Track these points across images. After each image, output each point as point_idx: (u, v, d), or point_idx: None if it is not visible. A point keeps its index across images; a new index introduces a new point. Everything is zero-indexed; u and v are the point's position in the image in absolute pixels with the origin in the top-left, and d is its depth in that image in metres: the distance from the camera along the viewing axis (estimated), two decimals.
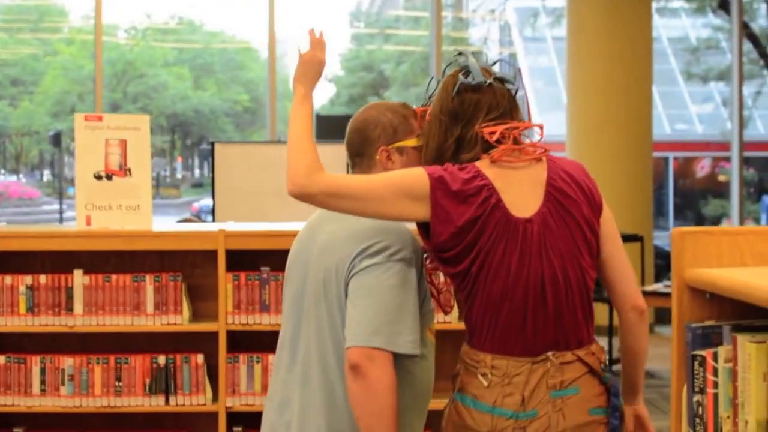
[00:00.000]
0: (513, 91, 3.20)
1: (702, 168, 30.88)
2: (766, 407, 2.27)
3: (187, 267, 5.29)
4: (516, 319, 3.05)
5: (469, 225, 3.01)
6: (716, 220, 29.15)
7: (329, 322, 3.13)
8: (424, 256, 3.22)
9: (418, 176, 3.03)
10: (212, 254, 5.12)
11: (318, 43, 3.33)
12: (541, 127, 3.21)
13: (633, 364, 3.31)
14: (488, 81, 3.15)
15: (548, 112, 31.17)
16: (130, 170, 5.23)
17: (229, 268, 5.11)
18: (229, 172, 9.58)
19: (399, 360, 3.03)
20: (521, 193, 3.08)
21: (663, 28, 28.52)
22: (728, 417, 2.41)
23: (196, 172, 41.03)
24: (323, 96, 35.73)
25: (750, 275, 2.48)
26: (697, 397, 2.55)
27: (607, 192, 11.52)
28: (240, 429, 5.18)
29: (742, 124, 14.55)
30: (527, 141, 3.18)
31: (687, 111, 31.07)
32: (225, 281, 5.08)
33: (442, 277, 3.43)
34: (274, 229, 5.16)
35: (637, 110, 12.59)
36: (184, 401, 5.11)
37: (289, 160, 3.05)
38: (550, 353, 3.06)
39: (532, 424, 3.00)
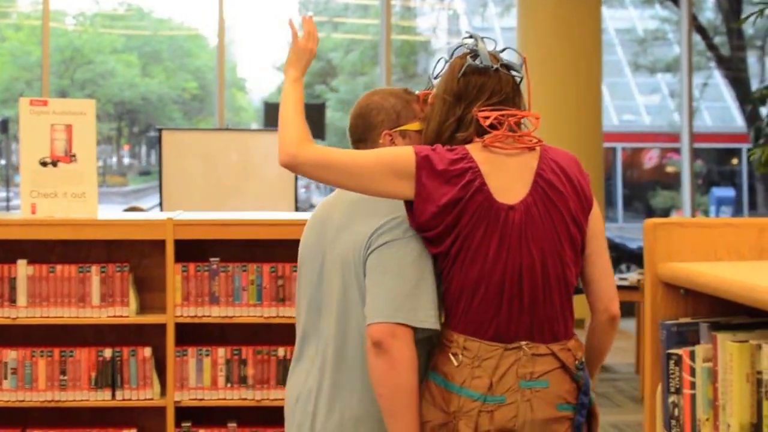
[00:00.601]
0: (518, 79, 3.20)
1: (650, 159, 30.98)
2: (749, 410, 2.15)
3: (135, 257, 5.12)
4: (490, 304, 3.03)
5: (450, 206, 3.00)
6: (665, 212, 29.27)
7: (351, 305, 3.12)
8: None
9: (405, 154, 3.03)
10: (160, 244, 4.95)
11: (311, 34, 3.36)
12: (537, 117, 3.17)
13: (591, 362, 3.31)
14: (495, 66, 3.15)
15: None
16: (75, 156, 5.05)
17: (178, 258, 4.95)
18: (177, 160, 9.40)
19: (419, 334, 3.01)
20: (508, 179, 3.07)
21: (610, 19, 28.54)
22: (707, 419, 2.29)
23: (144, 160, 40.71)
24: (270, 84, 35.53)
25: (727, 270, 2.36)
26: (672, 398, 2.42)
27: None
28: (188, 424, 5.02)
29: (692, 115, 14.48)
30: (524, 129, 3.18)
31: (634, 102, 31.15)
32: (173, 272, 4.92)
33: None
34: (225, 219, 5.00)
35: (587, 101, 12.51)
36: (131, 396, 4.95)
37: (280, 133, 3.10)
38: (523, 343, 3.03)
39: (500, 409, 2.98)
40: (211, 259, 4.98)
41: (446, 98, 3.15)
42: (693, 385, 2.34)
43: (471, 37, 3.22)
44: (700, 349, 2.33)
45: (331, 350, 3.16)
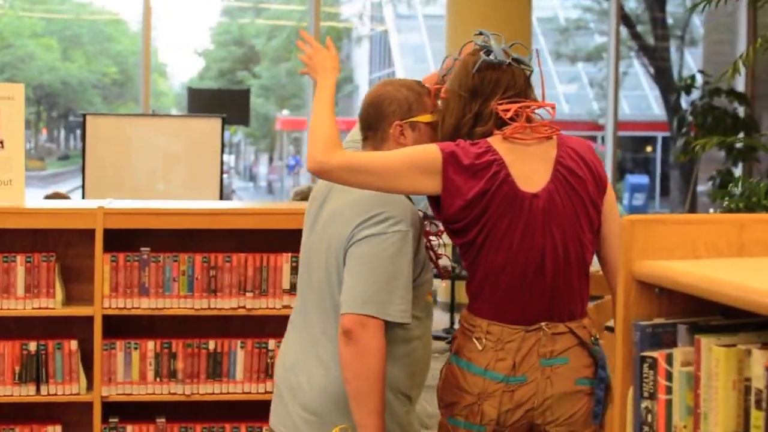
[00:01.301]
0: (528, 72, 3.30)
1: None
2: (735, 419, 1.99)
3: (61, 247, 4.88)
4: (514, 288, 3.16)
5: (477, 198, 3.11)
6: None
7: (331, 294, 3.26)
8: (424, 222, 3.36)
9: (431, 152, 3.12)
10: (88, 233, 4.71)
11: (329, 46, 3.47)
12: (553, 107, 3.28)
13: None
14: (508, 61, 3.24)
15: None
16: (2, 143, 4.79)
17: (107, 248, 4.71)
18: (101, 146, 9.13)
19: (391, 327, 3.17)
20: (530, 168, 3.17)
21: (533, 8, 28.50)
22: (685, 426, 2.13)
23: (62, 144, 40.10)
24: (192, 69, 35.15)
25: (707, 268, 2.20)
26: (645, 403, 2.26)
27: None
28: (116, 420, 4.79)
29: (617, 104, 14.42)
30: (539, 119, 3.27)
31: (554, 91, 31.20)
32: (102, 262, 4.68)
33: (442, 241, 3.50)
34: (157, 207, 4.79)
35: None
36: (57, 390, 4.72)
37: (309, 139, 3.17)
38: (543, 323, 3.17)
39: (520, 388, 3.13)
40: (142, 249, 4.76)
41: (462, 94, 3.22)
42: (669, 390, 2.19)
43: (481, 33, 3.31)
44: (679, 353, 2.17)
45: (316, 328, 3.33)
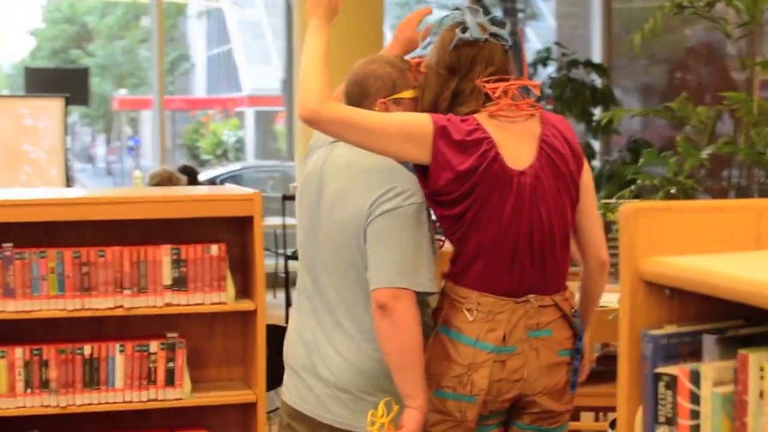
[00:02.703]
0: (506, 47, 3.32)
1: None
2: None
3: None
4: (504, 263, 3.23)
5: (467, 174, 3.16)
6: None
7: (355, 270, 3.27)
8: None
9: (422, 122, 3.16)
10: None
11: None
12: (537, 85, 3.37)
13: (588, 307, 3.54)
14: (484, 37, 3.26)
15: (256, 65, 30.54)
16: None
17: None
18: None
19: (419, 296, 3.21)
20: (517, 146, 3.23)
21: None
22: None
23: None
24: (24, 49, 33.96)
25: (725, 264, 1.86)
26: (662, 429, 1.90)
27: None
28: None
29: None
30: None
31: None
32: None
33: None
34: (21, 198, 4.30)
35: None
36: None
37: (301, 85, 3.12)
38: (531, 296, 3.26)
39: (510, 358, 3.22)
40: (4, 245, 4.25)
41: (440, 71, 3.26)
42: (695, 415, 1.84)
43: (458, 9, 3.32)
44: (709, 370, 1.82)
45: (336, 306, 3.33)
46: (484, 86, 3.23)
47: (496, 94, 3.22)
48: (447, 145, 3.15)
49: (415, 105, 3.33)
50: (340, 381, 3.32)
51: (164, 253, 4.36)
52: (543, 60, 12.64)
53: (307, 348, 3.41)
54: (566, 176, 3.31)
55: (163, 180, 7.48)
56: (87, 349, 4.33)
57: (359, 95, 3.37)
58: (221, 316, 4.64)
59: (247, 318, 4.59)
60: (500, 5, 20.01)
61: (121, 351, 4.36)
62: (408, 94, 3.34)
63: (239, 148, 29.19)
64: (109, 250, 4.31)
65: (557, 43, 12.97)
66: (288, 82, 25.07)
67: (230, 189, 4.74)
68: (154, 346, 4.38)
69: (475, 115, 3.22)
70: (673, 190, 4.69)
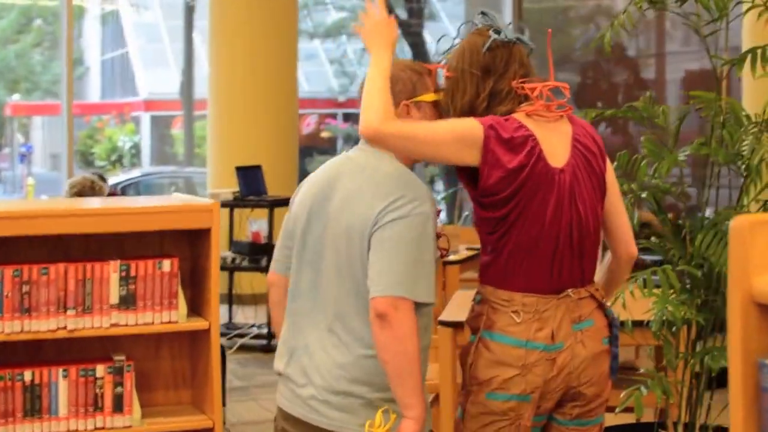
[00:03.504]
0: (529, 50, 3.44)
1: (308, 125, 30.50)
2: None
3: None
4: (545, 260, 3.32)
5: (516, 171, 3.25)
6: None
7: (351, 275, 3.27)
8: None
9: (472, 125, 3.26)
10: None
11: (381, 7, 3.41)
12: (566, 87, 3.43)
13: (609, 293, 3.69)
14: (515, 38, 3.37)
15: (153, 69, 29.95)
16: None
17: None
18: None
19: (416, 308, 3.21)
20: (555, 145, 3.34)
21: None
22: None
23: None
24: None
25: None
26: None
27: (255, 152, 10.42)
28: None
29: None
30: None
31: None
32: None
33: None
34: None
35: (281, 67, 11.69)
36: None
37: (364, 105, 3.22)
38: (569, 290, 3.34)
39: (560, 355, 3.29)
40: None
41: (474, 72, 3.34)
42: None
43: (484, 14, 3.41)
44: None
45: (331, 311, 3.31)
46: (522, 87, 3.34)
47: (535, 94, 3.33)
48: (497, 143, 3.24)
49: (434, 109, 3.41)
50: (333, 385, 3.30)
51: (112, 270, 4.02)
52: None
53: (299, 352, 3.38)
54: (597, 174, 3.42)
55: (85, 188, 7.08)
56: (27, 374, 3.97)
57: None
58: (168, 335, 4.30)
59: (196, 337, 4.26)
60: (405, 5, 19.84)
61: (65, 376, 4.00)
62: (429, 97, 3.40)
63: (135, 153, 28.60)
64: (53, 267, 3.96)
65: None
66: (186, 86, 24.62)
67: (185, 199, 4.39)
68: (100, 370, 4.04)
69: (514, 115, 3.32)
70: (643, 195, 4.48)
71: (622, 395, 4.24)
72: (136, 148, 28.80)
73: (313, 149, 30.26)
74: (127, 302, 4.04)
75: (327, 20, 27.98)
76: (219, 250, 4.11)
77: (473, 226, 3.52)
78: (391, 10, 3.22)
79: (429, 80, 3.42)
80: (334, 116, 31.46)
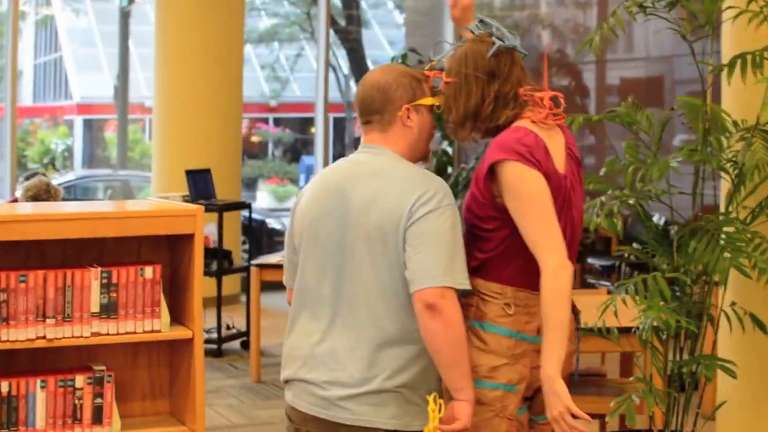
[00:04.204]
0: (522, 57, 3.50)
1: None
2: None
3: None
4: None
5: (548, 177, 3.35)
6: (253, 181, 28.65)
7: (388, 273, 3.30)
8: None
9: (541, 183, 3.32)
10: None
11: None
12: (562, 96, 3.46)
13: None
14: (516, 44, 3.44)
15: (86, 73, 29.48)
16: None
17: None
18: None
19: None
20: (556, 152, 3.41)
21: None
22: None
23: None
24: None
25: None
26: None
27: (201, 156, 10.17)
28: None
29: (328, 86, 13.79)
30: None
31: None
32: None
33: None
34: None
35: (227, 72, 11.45)
36: None
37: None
38: None
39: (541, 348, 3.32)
40: None
41: (480, 76, 3.39)
42: None
43: (483, 22, 3.47)
44: None
45: (360, 311, 3.32)
46: (532, 95, 3.41)
47: (545, 102, 3.39)
48: (541, 166, 3.32)
49: (430, 113, 3.45)
50: (362, 382, 3.31)
51: (93, 277, 3.79)
52: None
53: (322, 354, 3.36)
54: (581, 179, 3.53)
55: (41, 191, 6.82)
56: (4, 385, 3.73)
57: (382, 101, 3.41)
58: (145, 344, 4.08)
59: (175, 346, 4.04)
60: (344, 13, 19.68)
61: (43, 387, 3.77)
62: (427, 101, 3.43)
63: (67, 156, 28.10)
64: (31, 274, 3.72)
65: (412, 50, 12.72)
66: (120, 90, 24.27)
67: (168, 204, 4.16)
68: (79, 380, 3.80)
69: (521, 123, 3.39)
70: (631, 201, 4.34)
71: (612, 403, 4.11)
72: (68, 151, 28.30)
73: (244, 153, 30.02)
74: (109, 310, 3.81)
75: (259, 26, 27.72)
76: (202, 256, 3.89)
77: (468, 221, 3.45)
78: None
79: (426, 86, 3.46)
80: (265, 121, 31.19)
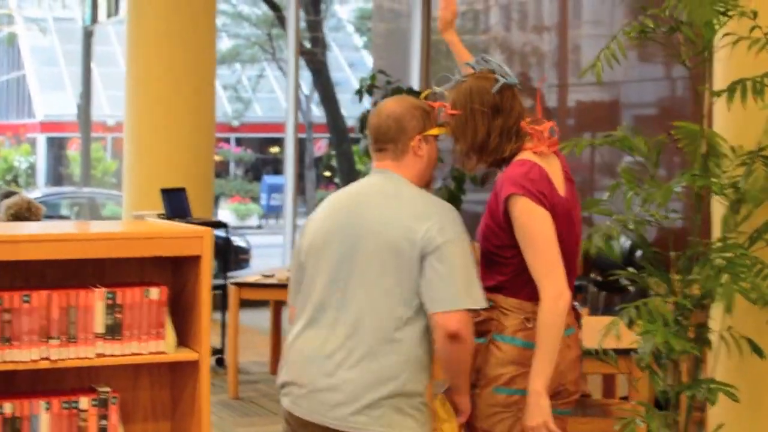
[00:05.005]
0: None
1: None
2: None
3: None
4: None
5: (552, 208, 3.55)
6: (214, 199, 28.43)
7: (396, 287, 3.44)
8: None
9: (546, 218, 3.52)
10: None
11: None
12: (554, 124, 3.64)
13: None
14: (517, 83, 3.63)
15: (49, 92, 29.23)
16: None
17: None
18: None
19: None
20: (556, 177, 3.61)
21: None
22: None
23: None
24: None
25: None
26: None
27: (174, 175, 10.03)
28: None
29: (298, 105, 13.65)
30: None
31: None
32: None
33: None
34: None
35: (199, 90, 11.29)
36: None
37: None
38: None
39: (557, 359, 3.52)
40: None
41: (485, 111, 3.56)
42: None
43: (485, 60, 3.67)
44: None
45: (365, 320, 3.44)
46: (532, 128, 3.58)
47: (545, 134, 3.57)
48: (547, 202, 3.52)
49: (435, 139, 3.62)
50: (358, 391, 3.43)
51: (98, 298, 3.66)
52: (369, 87, 12.40)
53: (321, 362, 3.47)
54: (577, 198, 3.72)
55: (22, 209, 6.67)
56: (8, 407, 3.59)
57: (396, 131, 3.57)
58: (147, 366, 3.95)
59: (177, 368, 3.92)
60: (310, 36, 19.58)
61: (47, 409, 3.63)
62: (435, 131, 3.61)
63: (30, 173, 27.83)
64: (35, 294, 3.59)
65: (381, 71, 12.65)
66: (83, 108, 24.02)
67: (175, 226, 4.04)
68: (84, 402, 3.67)
69: (523, 156, 3.57)
70: (631, 226, 4.27)
71: (617, 428, 4.04)
72: (32, 169, 28.03)
73: None
74: (113, 332, 3.69)
75: (221, 47, 27.64)
76: (210, 278, 3.77)
77: (486, 249, 3.65)
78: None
79: (433, 117, 3.62)
80: (227, 140, 31.07)
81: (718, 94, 4.28)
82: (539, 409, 3.45)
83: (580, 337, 3.69)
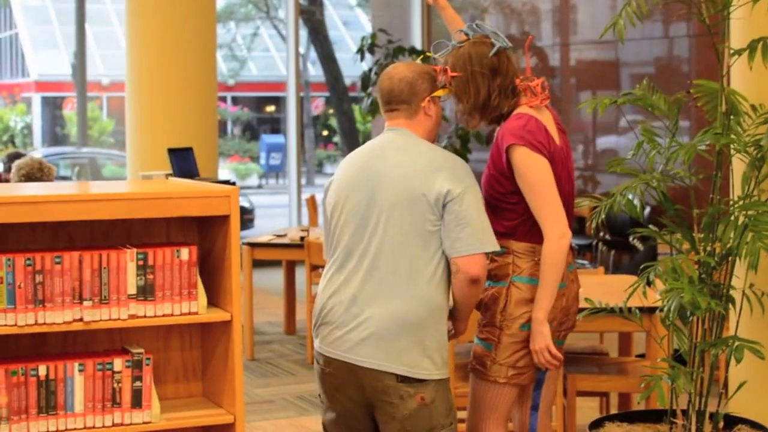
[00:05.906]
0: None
1: None
2: None
3: None
4: None
5: (552, 156, 3.94)
6: None
7: (415, 232, 3.75)
8: None
9: (545, 164, 3.91)
10: None
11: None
12: (545, 80, 4.01)
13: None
14: (510, 46, 3.99)
15: (43, 51, 29.07)
16: None
17: None
18: None
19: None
20: (551, 128, 3.98)
21: None
22: None
23: None
24: None
25: None
26: None
27: (179, 135, 9.98)
28: None
29: (299, 64, 13.63)
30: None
31: None
32: None
33: None
34: None
35: (200, 50, 11.24)
36: None
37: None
38: None
39: (564, 293, 3.98)
40: None
41: (485, 72, 3.94)
42: None
43: (477, 26, 4.02)
44: None
45: (387, 265, 3.76)
46: (528, 84, 3.96)
47: (538, 90, 3.95)
48: (547, 150, 3.90)
49: (439, 103, 3.95)
50: (380, 330, 3.74)
51: (129, 258, 3.67)
52: (370, 47, 12.38)
53: (347, 303, 3.78)
54: (569, 146, 4.09)
55: (33, 170, 6.67)
56: (42, 369, 3.60)
57: (409, 93, 3.87)
58: (178, 326, 3.98)
59: (207, 328, 3.95)
60: None
61: (81, 370, 3.64)
62: (440, 92, 3.93)
63: (27, 134, 27.70)
64: (66, 255, 3.60)
65: (382, 30, 12.62)
66: (78, 68, 23.89)
67: (203, 185, 4.03)
68: (118, 363, 3.68)
69: (521, 110, 3.96)
70: (654, 183, 4.28)
71: (642, 385, 4.07)
72: (28, 129, 27.91)
73: None
74: (145, 292, 3.70)
75: (217, 5, 27.49)
76: (239, 237, 3.79)
77: (490, 196, 4.00)
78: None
79: (438, 80, 3.94)
80: (223, 99, 30.93)
81: (739, 52, 4.28)
82: (542, 335, 3.87)
83: (575, 271, 4.07)
